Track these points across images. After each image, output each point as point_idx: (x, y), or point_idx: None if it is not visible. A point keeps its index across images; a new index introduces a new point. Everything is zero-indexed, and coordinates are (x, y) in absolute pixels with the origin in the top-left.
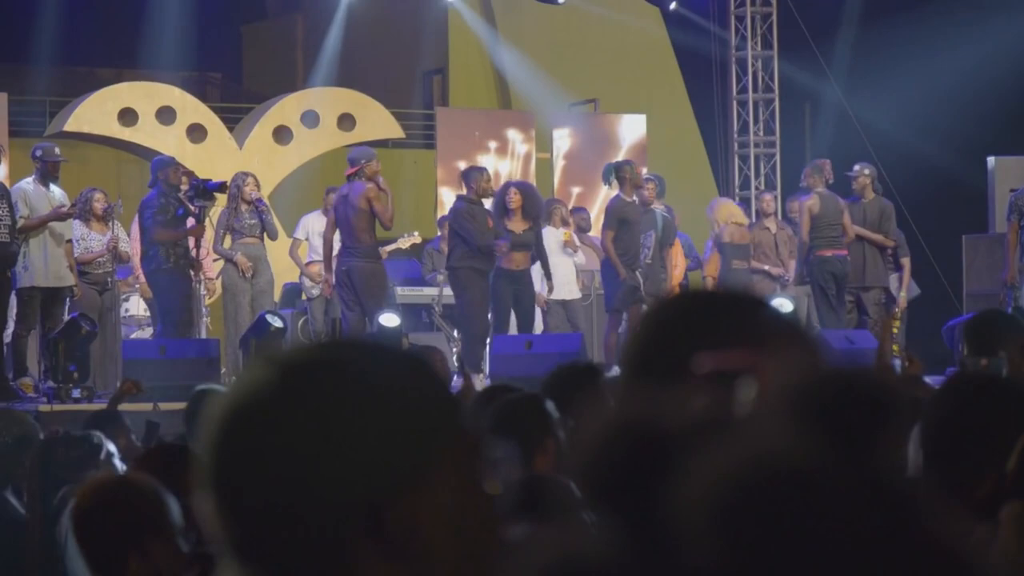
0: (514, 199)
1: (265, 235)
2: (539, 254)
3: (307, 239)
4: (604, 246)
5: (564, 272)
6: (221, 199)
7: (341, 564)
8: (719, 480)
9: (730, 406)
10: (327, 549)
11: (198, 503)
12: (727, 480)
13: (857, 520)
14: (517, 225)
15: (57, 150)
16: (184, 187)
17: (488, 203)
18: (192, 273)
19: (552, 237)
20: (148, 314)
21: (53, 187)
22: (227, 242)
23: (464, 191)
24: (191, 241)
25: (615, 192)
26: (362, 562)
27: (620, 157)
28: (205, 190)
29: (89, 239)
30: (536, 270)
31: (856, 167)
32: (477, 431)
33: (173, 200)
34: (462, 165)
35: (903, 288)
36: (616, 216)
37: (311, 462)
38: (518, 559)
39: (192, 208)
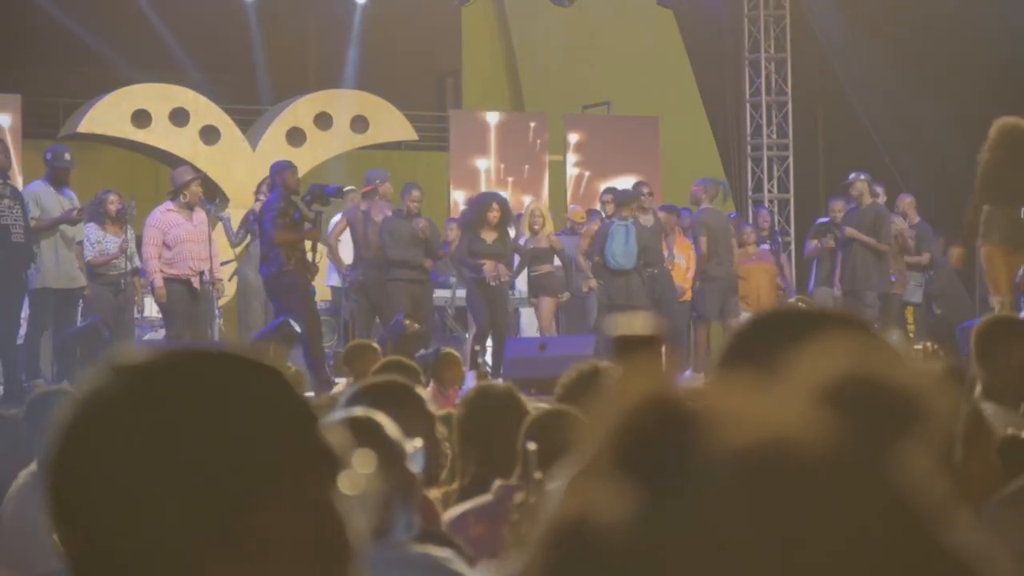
0: (495, 214)
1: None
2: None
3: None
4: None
5: None
6: (236, 200)
7: (188, 570)
8: (745, 451)
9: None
10: (174, 559)
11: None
12: (752, 452)
13: (864, 512)
14: (490, 235)
15: (67, 155)
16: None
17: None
18: (309, 276)
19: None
20: (161, 316)
21: (66, 190)
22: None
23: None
24: (307, 244)
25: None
26: (210, 572)
27: (633, 158)
28: (322, 194)
29: (105, 241)
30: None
31: (851, 175)
32: (333, 441)
33: (292, 204)
34: (475, 167)
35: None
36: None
37: (157, 470)
38: (537, 513)
39: (309, 212)
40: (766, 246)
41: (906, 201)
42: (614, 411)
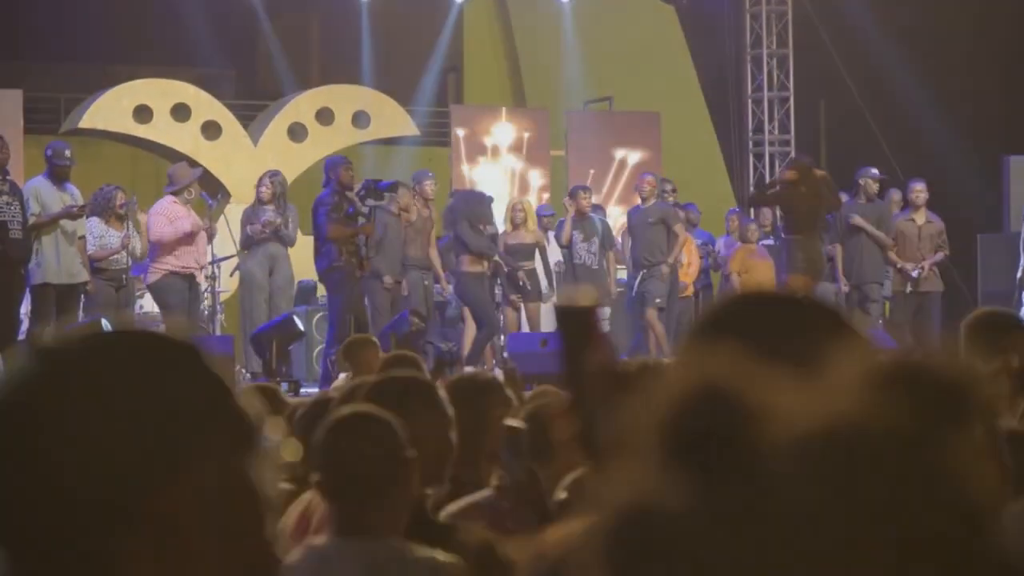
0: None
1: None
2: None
3: None
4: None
5: None
6: (237, 196)
7: (100, 558)
8: (807, 438)
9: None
10: (85, 543)
11: None
12: (815, 438)
13: (923, 498)
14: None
15: (68, 152)
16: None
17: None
18: (360, 271)
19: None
20: (159, 309)
21: (68, 185)
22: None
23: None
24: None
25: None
26: (121, 555)
27: (635, 155)
28: (376, 189)
29: (108, 236)
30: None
31: (873, 171)
32: (249, 420)
33: (345, 199)
34: (477, 163)
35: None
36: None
37: (64, 454)
38: (593, 502)
39: (363, 207)
40: (769, 241)
41: (897, 197)
42: (664, 402)
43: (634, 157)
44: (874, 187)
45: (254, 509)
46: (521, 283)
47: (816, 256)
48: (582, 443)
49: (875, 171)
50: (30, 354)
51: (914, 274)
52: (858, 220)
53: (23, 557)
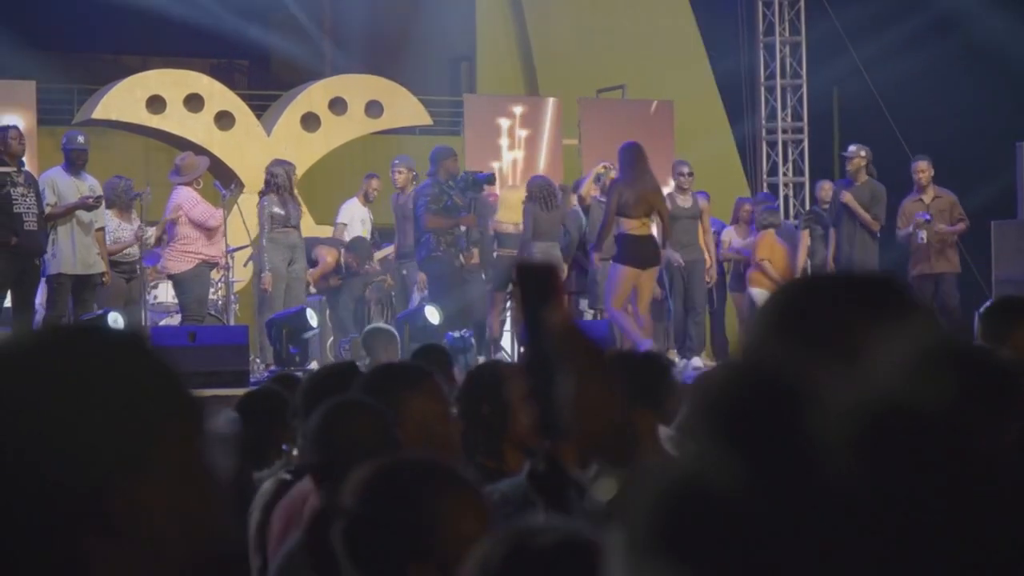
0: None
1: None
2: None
3: (348, 224)
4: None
5: None
6: (251, 186)
7: (67, 552)
8: (858, 418)
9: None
10: (51, 538)
11: None
12: (865, 418)
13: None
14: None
15: (81, 139)
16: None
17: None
18: (463, 260)
19: None
20: (176, 301)
21: (85, 175)
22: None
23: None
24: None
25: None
26: (88, 549)
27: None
28: (475, 181)
29: (121, 229)
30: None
31: (852, 148)
32: (200, 404)
33: (446, 189)
34: (490, 152)
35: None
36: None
37: (25, 452)
38: (641, 481)
39: (461, 200)
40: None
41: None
42: (712, 383)
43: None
44: (860, 164)
45: (212, 494)
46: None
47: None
48: (536, 413)
49: (863, 149)
50: None
51: (926, 217)
52: (847, 197)
53: None
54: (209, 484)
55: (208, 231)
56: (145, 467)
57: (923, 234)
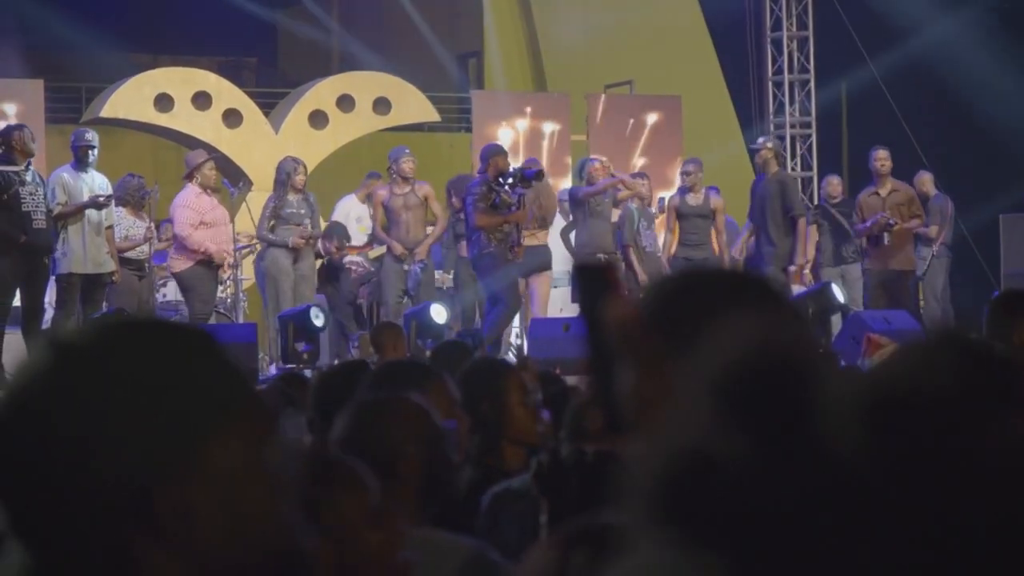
0: None
1: (308, 223)
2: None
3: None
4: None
5: None
6: (259, 183)
7: (115, 549)
8: (865, 394)
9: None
10: (100, 534)
11: None
12: (872, 394)
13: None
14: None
15: (88, 135)
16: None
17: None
18: (512, 256)
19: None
20: (184, 297)
21: (95, 174)
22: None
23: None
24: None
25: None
26: (136, 546)
27: (655, 137)
28: (524, 178)
29: (134, 227)
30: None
31: (760, 140)
32: (265, 407)
33: (495, 187)
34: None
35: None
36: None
37: (78, 447)
38: (646, 450)
39: (509, 197)
40: None
41: (924, 177)
42: (724, 358)
43: (654, 140)
44: (767, 155)
45: (271, 496)
46: None
47: None
48: (603, 411)
49: (769, 141)
50: (45, 348)
51: (890, 223)
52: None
53: (44, 552)
54: (268, 488)
55: (204, 226)
56: (195, 468)
57: (887, 236)
